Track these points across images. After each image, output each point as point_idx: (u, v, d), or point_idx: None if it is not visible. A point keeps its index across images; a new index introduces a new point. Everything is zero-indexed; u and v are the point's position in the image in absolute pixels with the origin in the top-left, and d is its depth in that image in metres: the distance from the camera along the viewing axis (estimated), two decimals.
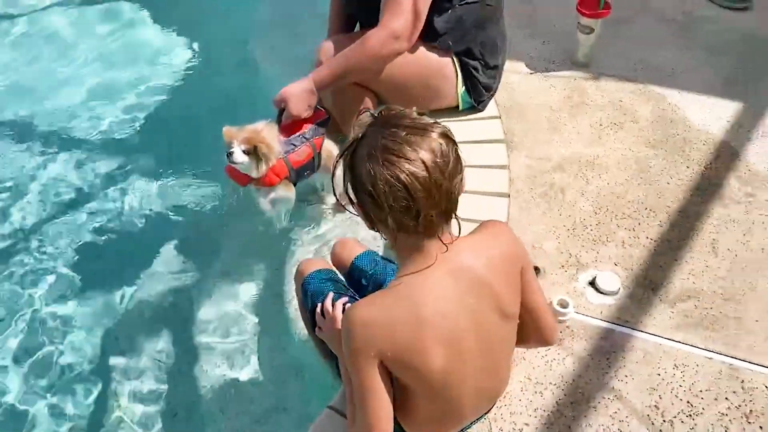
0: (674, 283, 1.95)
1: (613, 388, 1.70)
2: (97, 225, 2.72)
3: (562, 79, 2.71)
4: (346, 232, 2.22)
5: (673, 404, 1.67)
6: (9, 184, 2.89)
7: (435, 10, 2.15)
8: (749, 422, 1.63)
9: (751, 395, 1.68)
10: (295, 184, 2.19)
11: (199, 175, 2.86)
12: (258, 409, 2.01)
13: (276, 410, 2.00)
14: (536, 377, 1.72)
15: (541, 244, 2.06)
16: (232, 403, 2.04)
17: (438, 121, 1.18)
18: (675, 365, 1.75)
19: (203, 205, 2.75)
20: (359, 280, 1.73)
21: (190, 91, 3.36)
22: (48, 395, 2.17)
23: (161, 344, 2.26)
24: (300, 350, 1.98)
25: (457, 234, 1.25)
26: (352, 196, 1.20)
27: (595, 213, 2.16)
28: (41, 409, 2.14)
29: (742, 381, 1.71)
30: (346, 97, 2.27)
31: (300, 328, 1.90)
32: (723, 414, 1.65)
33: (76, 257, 2.59)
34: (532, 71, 2.75)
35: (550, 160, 2.34)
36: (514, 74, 2.64)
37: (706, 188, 2.24)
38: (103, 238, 2.67)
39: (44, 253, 2.60)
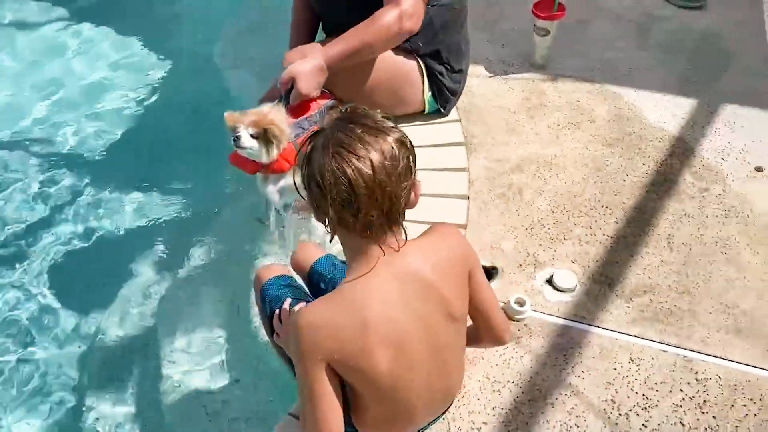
0: (630, 278, 1.98)
1: (570, 384, 1.72)
2: (62, 239, 2.68)
3: (521, 82, 2.74)
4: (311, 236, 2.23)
5: (628, 398, 1.69)
6: None
7: None
8: (703, 412, 1.66)
9: (704, 386, 1.71)
10: None
11: (170, 184, 2.85)
12: (223, 418, 2.00)
13: (238, 420, 1.99)
14: (494, 376, 1.74)
15: (500, 244, 2.08)
16: (196, 412, 2.03)
17: (399, 126, 1.21)
18: (631, 359, 1.78)
19: (173, 214, 2.74)
20: (318, 284, 1.74)
21: (159, 100, 3.33)
22: (10, 410, 2.15)
23: (124, 352, 2.26)
24: (265, 357, 1.99)
25: (404, 239, 1.26)
26: (305, 184, 1.22)
27: (553, 212, 2.18)
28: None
29: (696, 372, 1.74)
30: None
31: (263, 334, 1.90)
32: (677, 405, 1.67)
33: (43, 275, 2.56)
34: (491, 74, 2.78)
35: (508, 161, 2.37)
36: (473, 78, 2.66)
37: (662, 184, 2.28)
38: (68, 250, 2.64)
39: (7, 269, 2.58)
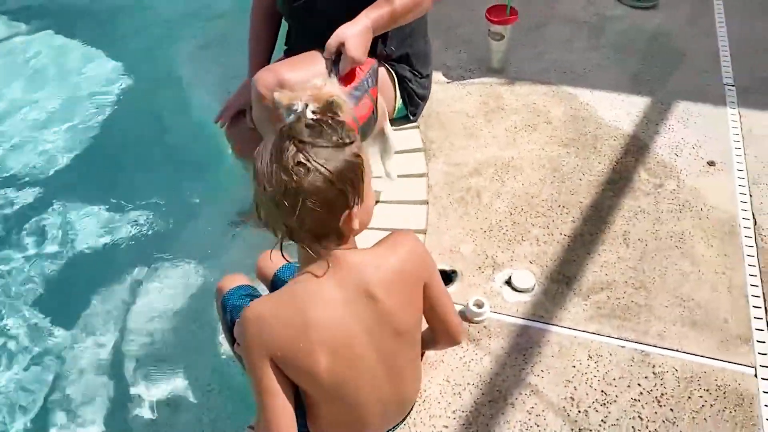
0: (587, 276, 2.00)
1: (530, 383, 1.73)
2: (26, 253, 2.67)
3: (479, 86, 2.77)
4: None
5: (587, 394, 1.71)
6: None
7: None
8: (661, 405, 1.68)
9: (662, 379, 1.73)
10: None
11: (135, 196, 2.84)
12: (185, 428, 1.99)
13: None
14: (454, 379, 1.74)
15: (459, 248, 2.09)
16: (156, 425, 2.02)
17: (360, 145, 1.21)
18: (589, 356, 1.79)
19: (140, 226, 2.73)
20: None
21: (122, 112, 3.32)
22: None
23: (85, 363, 2.25)
24: (227, 369, 1.99)
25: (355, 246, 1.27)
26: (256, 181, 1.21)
27: (510, 214, 2.20)
28: None
29: (653, 366, 1.76)
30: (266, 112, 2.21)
31: (227, 346, 1.89)
32: (636, 400, 1.69)
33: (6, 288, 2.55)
34: (449, 80, 2.81)
35: (467, 165, 2.39)
36: (432, 84, 2.67)
37: (617, 182, 2.31)
38: (30, 266, 2.62)
39: None
